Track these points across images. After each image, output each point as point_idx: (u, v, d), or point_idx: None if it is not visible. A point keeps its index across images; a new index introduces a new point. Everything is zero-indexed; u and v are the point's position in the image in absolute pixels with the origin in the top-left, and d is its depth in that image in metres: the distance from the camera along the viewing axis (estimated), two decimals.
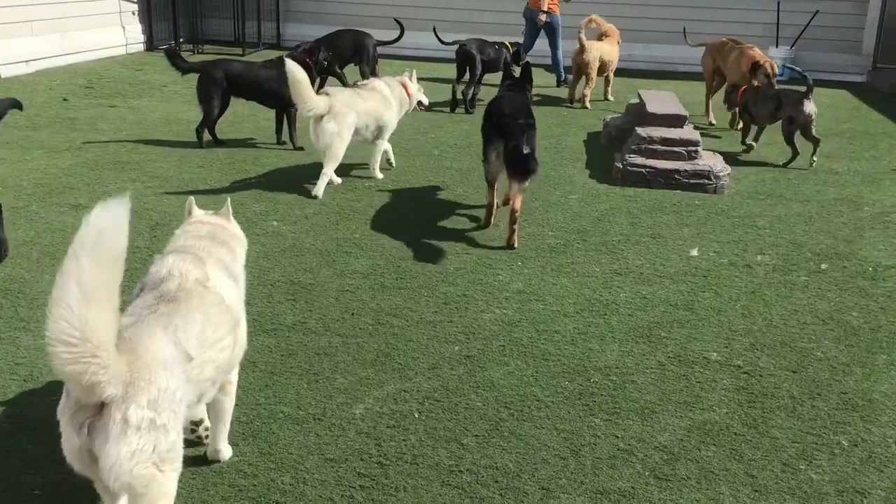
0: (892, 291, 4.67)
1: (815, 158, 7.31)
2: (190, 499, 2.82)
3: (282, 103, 7.22)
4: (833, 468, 3.08)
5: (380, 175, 6.59)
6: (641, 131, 6.98)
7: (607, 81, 10.37)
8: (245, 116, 8.20)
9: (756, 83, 7.96)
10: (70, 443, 2.19)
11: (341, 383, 3.55)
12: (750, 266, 5.03)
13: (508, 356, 3.86)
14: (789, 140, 7.31)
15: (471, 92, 9.29)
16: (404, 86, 6.73)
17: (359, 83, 6.86)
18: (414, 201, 6.05)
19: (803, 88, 7.25)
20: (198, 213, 3.04)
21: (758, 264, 5.05)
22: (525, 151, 5.17)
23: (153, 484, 2.22)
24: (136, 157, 6.83)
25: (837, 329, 4.22)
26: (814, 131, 7.26)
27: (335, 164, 6.16)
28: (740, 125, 8.12)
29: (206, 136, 7.24)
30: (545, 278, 4.77)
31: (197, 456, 2.99)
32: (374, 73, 9.17)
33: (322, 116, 6.02)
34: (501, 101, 5.73)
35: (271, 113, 7.51)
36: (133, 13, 12.36)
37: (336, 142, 6.06)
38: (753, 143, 7.81)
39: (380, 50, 9.71)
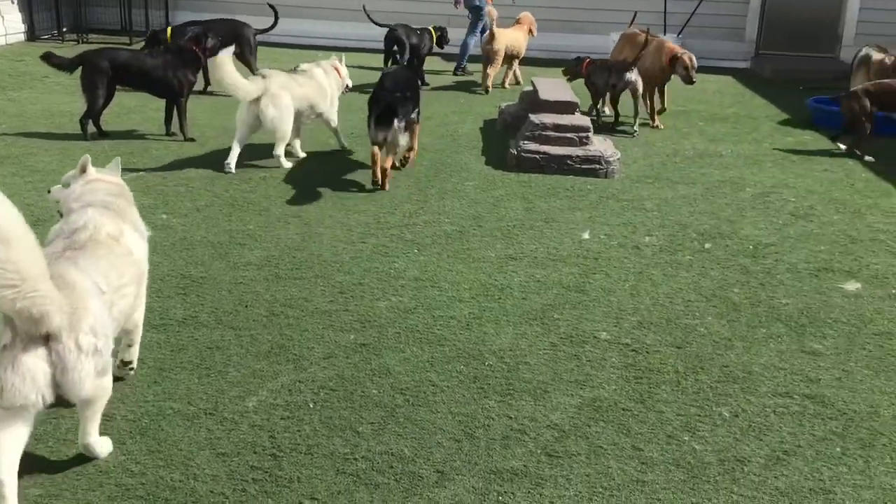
0: (771, 268, 4.89)
1: (636, 128, 8.16)
2: (75, 499, 2.73)
3: (171, 92, 7.03)
4: (715, 438, 3.21)
5: (347, 143, 7.05)
6: (535, 118, 7.09)
7: (510, 67, 10.52)
8: (132, 107, 7.94)
9: (675, 72, 8.19)
10: (28, 373, 2.45)
11: (234, 377, 3.50)
12: (638, 247, 5.18)
13: (404, 343, 3.87)
14: (613, 103, 8.32)
15: None
16: (336, 69, 7.02)
17: (297, 68, 6.91)
18: (311, 191, 5.99)
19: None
20: (92, 170, 3.29)
21: (646, 245, 5.21)
22: (394, 115, 6.05)
23: (101, 390, 2.73)
24: (16, 151, 6.53)
25: (720, 305, 4.39)
26: (638, 99, 8.21)
27: (286, 142, 6.50)
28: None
29: (91, 127, 6.98)
30: (441, 265, 4.80)
31: (81, 455, 2.90)
32: (251, 63, 9.02)
33: (259, 99, 6.23)
34: (386, 76, 6.58)
35: (161, 103, 7.30)
36: (12, 1, 11.78)
37: (280, 123, 6.35)
38: (606, 110, 8.62)
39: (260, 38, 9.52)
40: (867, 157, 7.34)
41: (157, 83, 7.03)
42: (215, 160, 6.47)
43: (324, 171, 6.50)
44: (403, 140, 6.26)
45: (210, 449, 3.02)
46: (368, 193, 6.02)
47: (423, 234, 5.25)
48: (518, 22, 10.49)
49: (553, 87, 8.07)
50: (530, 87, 8.18)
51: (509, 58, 10.26)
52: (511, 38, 10.12)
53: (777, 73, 11.79)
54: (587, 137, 6.94)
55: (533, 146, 6.88)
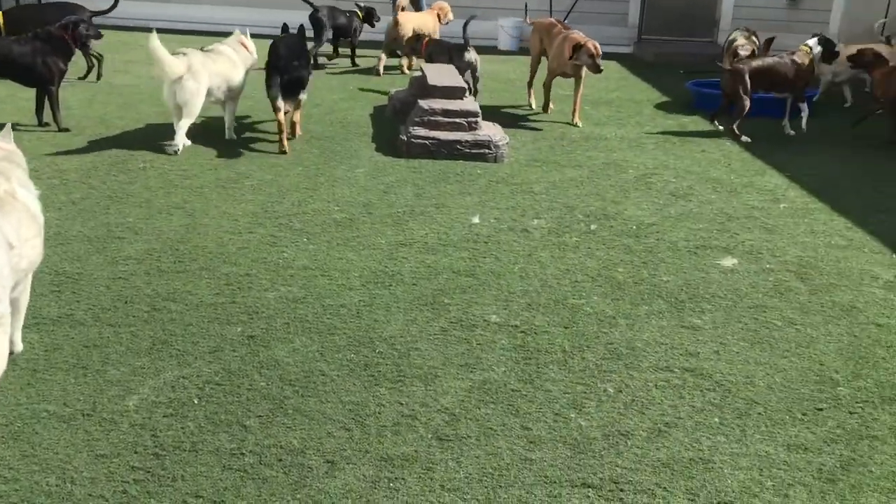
0: (652, 247, 5.04)
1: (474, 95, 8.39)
2: None
3: (40, 80, 6.70)
4: (600, 414, 3.30)
5: (233, 135, 7.02)
6: (424, 104, 7.08)
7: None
8: (2, 97, 7.53)
9: (578, 63, 7.95)
10: None
11: (113, 375, 3.37)
12: (527, 230, 5.25)
13: (293, 333, 3.81)
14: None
15: (315, 51, 10.01)
16: (244, 45, 7.10)
17: (205, 48, 6.90)
18: (195, 180, 5.82)
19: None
20: None
21: (534, 228, 5.29)
22: (295, 76, 6.64)
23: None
24: None
25: (605, 285, 4.50)
26: (479, 77, 8.71)
27: (192, 120, 6.51)
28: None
29: None
30: (331, 253, 4.74)
31: None
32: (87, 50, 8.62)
33: (180, 77, 6.30)
34: (280, 44, 6.91)
35: (32, 93, 6.94)
36: None
37: (194, 99, 6.41)
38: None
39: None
40: (744, 138, 7.65)
41: (26, 71, 6.68)
42: (91, 151, 6.22)
43: (209, 161, 6.32)
44: (303, 99, 6.97)
45: (88, 451, 2.90)
46: (256, 183, 5.89)
47: (313, 223, 5.18)
48: (431, 7, 10.67)
49: (442, 72, 8.08)
50: (419, 73, 8.16)
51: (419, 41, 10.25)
52: (418, 23, 10.23)
53: (659, 57, 12.15)
54: (476, 122, 6.98)
55: (423, 132, 6.88)
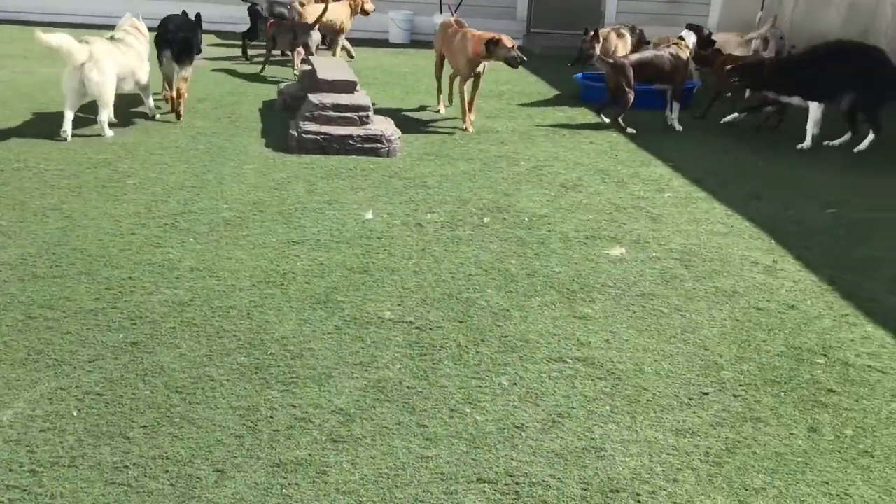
0: (544, 239, 5.11)
1: (296, 73, 8.86)
2: None
3: None
4: (495, 408, 3.31)
5: (157, 115, 7.31)
6: (314, 98, 6.97)
7: (335, 44, 10.59)
8: None
9: (497, 59, 7.41)
10: None
11: None
12: (421, 225, 5.23)
13: (180, 338, 3.68)
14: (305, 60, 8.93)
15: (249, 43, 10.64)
16: (138, 30, 7.12)
17: (113, 37, 6.93)
18: (73, 180, 5.55)
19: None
20: None
21: (428, 222, 5.28)
22: (184, 39, 7.13)
23: None
24: None
25: (498, 277, 4.52)
26: (314, 51, 9.34)
27: (109, 108, 6.62)
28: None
29: None
30: (220, 253, 4.60)
31: None
32: None
33: (83, 65, 6.29)
34: (168, 20, 7.29)
35: None
36: None
37: (104, 89, 6.46)
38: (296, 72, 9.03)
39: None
40: (629, 130, 7.84)
41: None
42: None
43: (88, 159, 6.05)
44: (189, 73, 7.28)
45: None
46: (139, 181, 5.67)
47: (200, 222, 5.02)
48: None
49: (332, 66, 7.98)
50: (308, 67, 8.03)
51: (333, 32, 10.39)
52: (328, 13, 10.04)
53: (547, 50, 12.35)
54: (368, 117, 6.92)
55: (313, 127, 6.77)
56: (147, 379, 3.34)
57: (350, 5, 10.62)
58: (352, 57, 10.85)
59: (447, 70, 8.09)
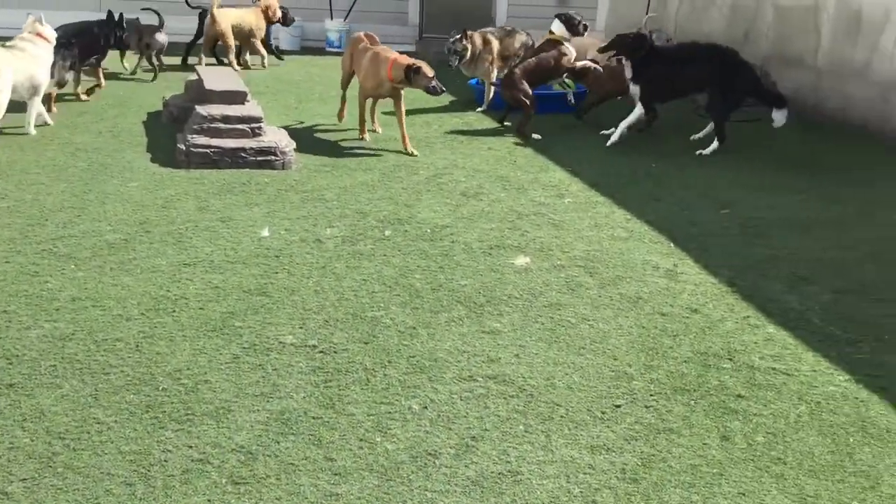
0: (448, 250, 5.00)
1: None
2: None
3: None
4: (406, 434, 3.17)
5: (34, 131, 6.93)
6: (202, 110, 6.68)
7: (248, 49, 10.56)
8: None
9: (416, 87, 7.06)
10: None
11: None
12: (320, 240, 5.05)
13: (61, 377, 3.39)
14: (148, 60, 9.54)
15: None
16: (42, 36, 6.89)
17: (5, 44, 6.67)
18: None
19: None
20: None
21: (328, 238, 5.09)
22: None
23: None
24: None
25: (403, 293, 4.39)
26: (161, 58, 9.63)
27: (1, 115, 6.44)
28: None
29: None
30: (104, 280, 4.31)
31: None
32: None
33: None
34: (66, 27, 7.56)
35: None
36: None
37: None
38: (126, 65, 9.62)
39: None
40: (535, 136, 7.81)
41: None
42: None
43: None
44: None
45: None
46: (13, 204, 5.28)
47: (82, 247, 4.70)
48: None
49: (220, 75, 7.70)
50: (195, 76, 7.71)
51: (245, 38, 10.32)
52: (236, 19, 10.03)
53: (440, 55, 12.26)
54: (260, 128, 6.67)
55: (203, 140, 6.48)
56: (26, 425, 3.06)
57: (263, 12, 10.50)
58: (264, 67, 10.81)
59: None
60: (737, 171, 7.08)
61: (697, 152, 7.52)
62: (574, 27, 8.33)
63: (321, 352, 3.74)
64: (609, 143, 7.62)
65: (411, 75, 6.92)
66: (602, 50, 8.11)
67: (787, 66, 9.68)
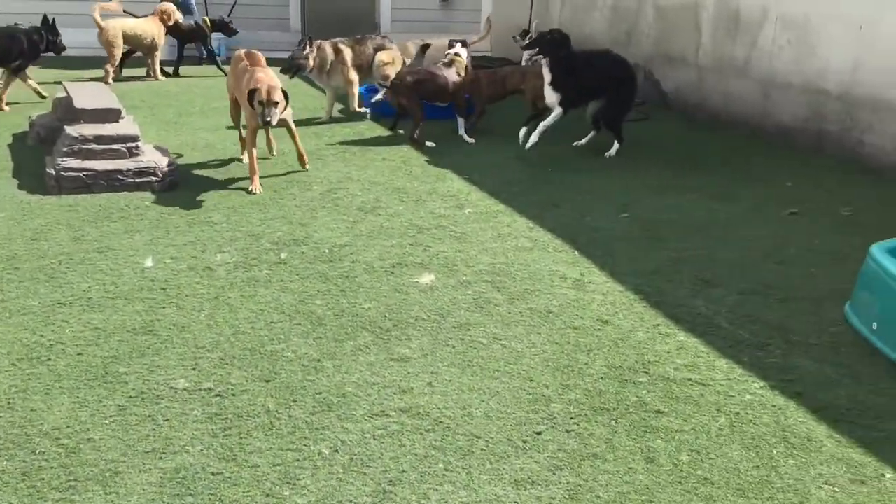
0: (348, 272, 4.76)
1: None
2: None
3: None
4: (317, 484, 2.92)
5: None
6: (72, 130, 6.20)
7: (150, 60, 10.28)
8: None
9: (260, 116, 6.06)
10: None
11: None
12: (210, 268, 4.72)
13: None
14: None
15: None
16: None
17: None
18: None
19: None
20: None
21: (218, 265, 4.77)
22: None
23: None
24: None
25: (304, 322, 4.12)
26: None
27: None
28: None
29: None
30: None
31: None
32: None
33: None
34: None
35: None
36: None
37: None
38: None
39: None
40: (429, 143, 7.64)
41: None
42: None
43: None
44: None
45: None
46: None
47: None
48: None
49: (91, 91, 7.20)
50: (63, 93, 7.18)
51: (145, 49, 10.10)
52: (130, 29, 9.73)
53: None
54: (137, 147, 6.25)
55: (75, 163, 6.01)
56: None
57: (161, 20, 10.06)
58: (165, 76, 10.54)
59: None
60: (631, 172, 7.10)
61: (606, 154, 7.55)
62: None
63: (218, 395, 3.44)
64: (528, 145, 7.47)
65: (254, 101, 5.99)
66: (526, 48, 7.97)
67: (669, 64, 9.86)
